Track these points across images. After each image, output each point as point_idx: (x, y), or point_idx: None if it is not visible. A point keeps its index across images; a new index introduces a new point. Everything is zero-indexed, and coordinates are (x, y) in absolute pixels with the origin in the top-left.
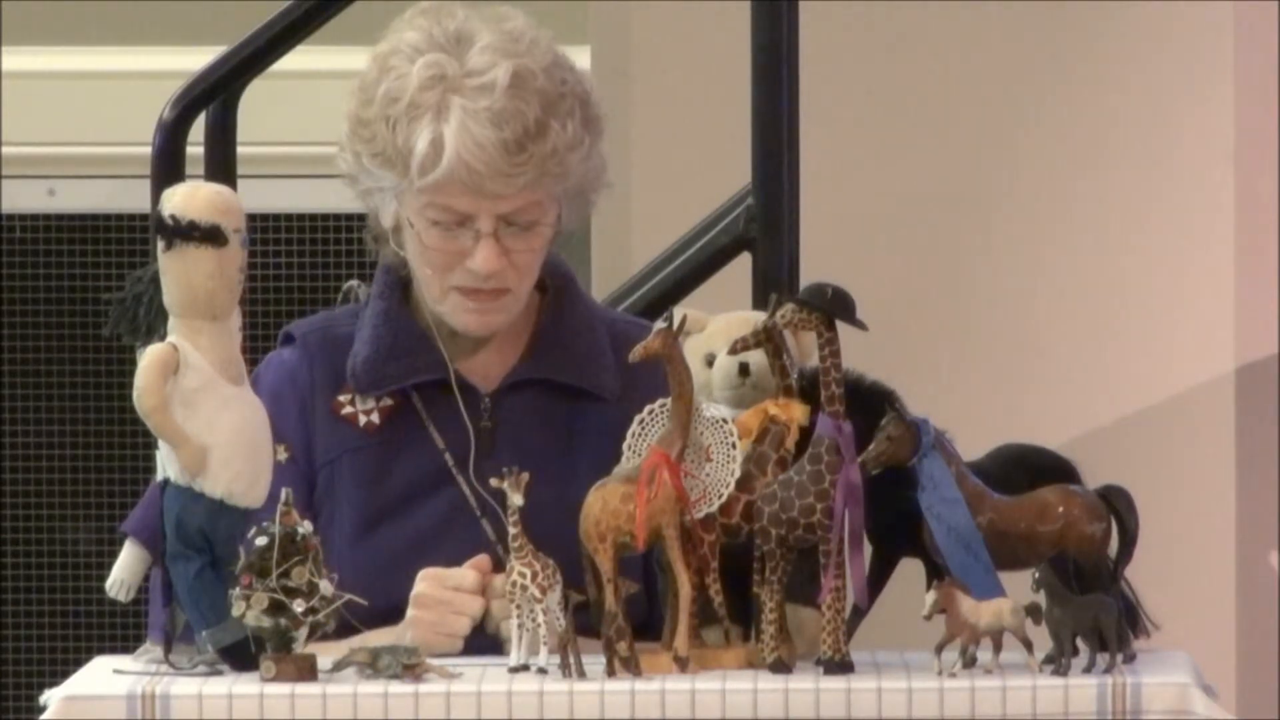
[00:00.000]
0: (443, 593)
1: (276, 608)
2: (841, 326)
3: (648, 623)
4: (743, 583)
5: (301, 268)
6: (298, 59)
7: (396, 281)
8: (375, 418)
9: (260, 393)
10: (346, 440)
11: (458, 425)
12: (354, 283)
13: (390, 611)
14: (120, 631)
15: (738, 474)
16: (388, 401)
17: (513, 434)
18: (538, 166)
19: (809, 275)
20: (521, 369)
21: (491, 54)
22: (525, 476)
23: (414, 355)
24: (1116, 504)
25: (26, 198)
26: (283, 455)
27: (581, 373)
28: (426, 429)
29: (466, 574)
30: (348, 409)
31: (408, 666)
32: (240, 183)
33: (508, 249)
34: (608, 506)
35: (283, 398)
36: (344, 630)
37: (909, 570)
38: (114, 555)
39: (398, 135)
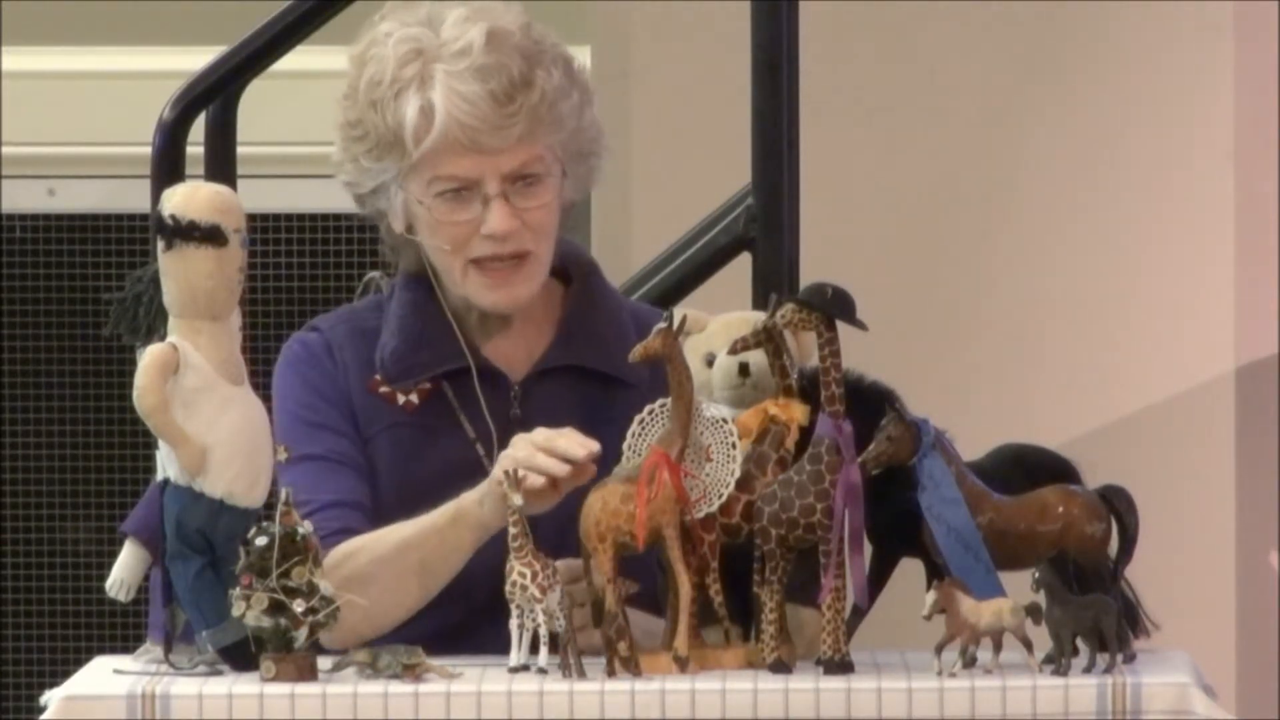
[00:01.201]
0: (538, 444)
1: (276, 608)
2: (841, 326)
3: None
4: (743, 583)
5: (301, 268)
6: (298, 59)
7: (421, 276)
8: (414, 398)
9: (292, 368)
10: (385, 416)
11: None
12: (374, 274)
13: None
14: (120, 631)
15: (738, 474)
16: (426, 385)
17: (542, 423)
18: (530, 115)
19: (809, 275)
20: (551, 355)
21: (464, 23)
22: (525, 476)
23: (443, 344)
24: (1116, 504)
25: (26, 198)
26: (282, 455)
27: (611, 358)
28: (459, 418)
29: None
30: (384, 389)
31: (408, 666)
32: (240, 183)
33: (519, 209)
34: (608, 506)
35: (322, 369)
36: None
37: (909, 570)
38: (114, 555)
39: (387, 115)
